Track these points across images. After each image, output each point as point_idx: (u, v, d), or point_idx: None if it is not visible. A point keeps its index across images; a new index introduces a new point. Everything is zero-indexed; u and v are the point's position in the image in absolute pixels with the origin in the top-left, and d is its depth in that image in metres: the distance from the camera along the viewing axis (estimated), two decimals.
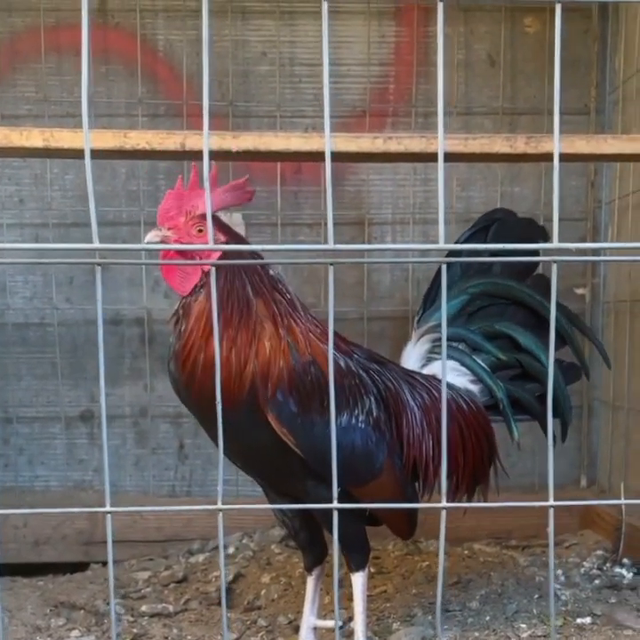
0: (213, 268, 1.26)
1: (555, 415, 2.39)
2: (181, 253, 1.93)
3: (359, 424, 2.06)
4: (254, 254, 2.01)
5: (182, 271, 1.96)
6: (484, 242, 2.35)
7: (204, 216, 1.92)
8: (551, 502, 1.42)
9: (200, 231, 1.94)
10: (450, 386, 2.31)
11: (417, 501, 2.20)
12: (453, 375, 2.35)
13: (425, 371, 2.35)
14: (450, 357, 2.35)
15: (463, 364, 2.36)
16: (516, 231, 2.40)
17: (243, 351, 1.94)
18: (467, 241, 2.37)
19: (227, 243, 1.96)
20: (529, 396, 2.36)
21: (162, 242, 1.95)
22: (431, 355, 2.37)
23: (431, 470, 2.17)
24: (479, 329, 2.38)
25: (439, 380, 2.25)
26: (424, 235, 3.41)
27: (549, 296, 2.34)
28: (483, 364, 2.36)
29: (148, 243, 1.96)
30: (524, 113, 3.39)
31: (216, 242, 1.92)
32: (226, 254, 1.91)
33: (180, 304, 2.00)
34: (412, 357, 2.39)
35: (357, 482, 2.07)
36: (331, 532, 2.12)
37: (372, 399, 2.09)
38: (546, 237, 2.39)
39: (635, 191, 3.10)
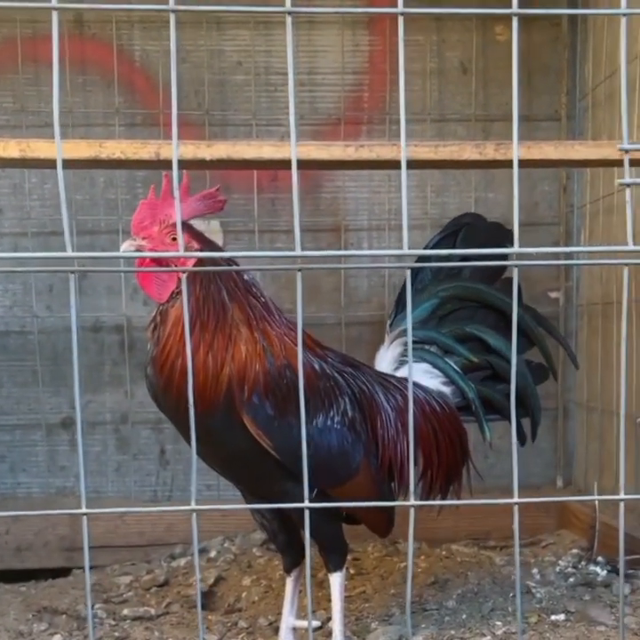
0: (184, 275, 1.30)
1: (524, 414, 2.44)
2: (157, 261, 1.95)
3: (335, 425, 2.09)
4: (228, 261, 2.04)
5: (159, 279, 1.99)
6: (454, 246, 2.39)
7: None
8: (516, 499, 1.45)
9: (174, 239, 1.97)
10: (423, 388, 2.35)
11: (393, 500, 2.23)
12: (426, 377, 2.39)
13: (398, 373, 2.38)
14: (422, 360, 2.39)
15: (435, 367, 2.40)
16: (485, 235, 2.44)
17: (219, 355, 1.97)
18: (436, 245, 2.41)
19: (200, 250, 1.99)
20: (499, 397, 2.40)
21: (137, 251, 1.97)
22: (404, 357, 2.41)
23: (406, 470, 2.21)
24: (450, 332, 2.42)
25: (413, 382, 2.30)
26: (400, 240, 3.43)
27: (519, 300, 2.41)
28: (454, 366, 2.40)
29: (122, 251, 1.99)
30: (496, 119, 3.45)
31: (190, 249, 1.95)
32: (201, 261, 1.95)
33: (157, 311, 2.03)
34: (385, 360, 2.43)
35: (335, 482, 2.11)
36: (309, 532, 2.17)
37: (347, 400, 2.13)
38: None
39: (605, 196, 3.15)
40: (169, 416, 2.05)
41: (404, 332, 2.39)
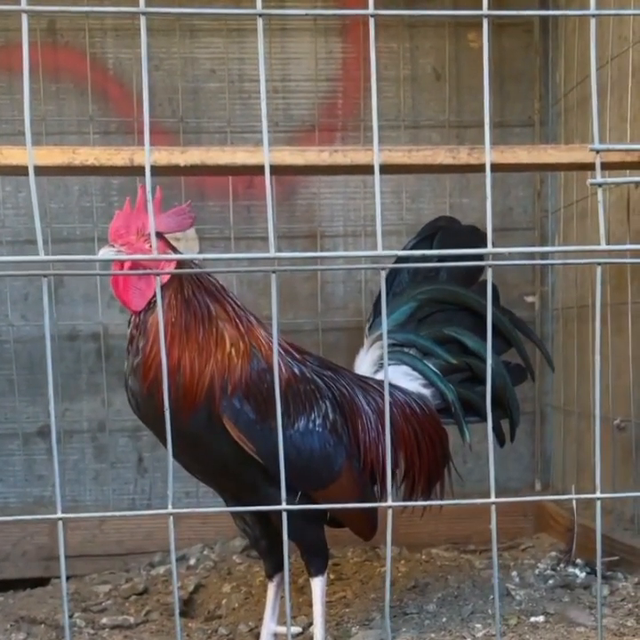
0: (158, 279, 1.30)
1: (503, 416, 2.45)
2: (134, 269, 1.96)
3: (316, 428, 2.10)
4: (201, 265, 2.06)
5: (136, 288, 1.99)
6: (430, 249, 2.40)
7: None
8: (493, 499, 1.46)
9: (151, 248, 1.97)
10: (403, 390, 2.36)
11: (375, 502, 2.24)
12: (406, 380, 2.39)
13: (378, 376, 2.39)
14: (402, 362, 2.40)
15: (415, 369, 2.41)
16: (461, 238, 2.44)
17: (204, 356, 1.97)
18: (413, 249, 2.42)
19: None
20: (478, 398, 2.41)
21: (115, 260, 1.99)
22: (383, 360, 2.41)
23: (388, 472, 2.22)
24: (429, 334, 2.43)
25: (392, 385, 2.31)
26: (376, 246, 3.45)
27: (496, 302, 2.42)
28: (434, 368, 2.41)
29: (100, 256, 1.99)
30: (470, 126, 3.47)
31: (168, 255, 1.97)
32: (178, 267, 1.96)
33: (134, 321, 2.02)
34: (365, 364, 2.43)
35: (318, 485, 2.11)
36: (290, 536, 2.16)
37: (328, 403, 2.13)
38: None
39: (579, 200, 3.18)
40: (151, 424, 2.04)
41: (382, 336, 2.40)
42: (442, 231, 2.45)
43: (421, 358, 2.42)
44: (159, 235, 1.97)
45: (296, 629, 2.40)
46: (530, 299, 3.55)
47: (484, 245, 2.45)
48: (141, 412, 2.04)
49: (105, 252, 1.97)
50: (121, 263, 1.98)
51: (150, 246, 1.97)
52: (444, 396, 2.41)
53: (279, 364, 1.99)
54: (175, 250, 2.04)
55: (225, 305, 2.03)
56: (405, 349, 2.42)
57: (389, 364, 2.40)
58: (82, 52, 3.30)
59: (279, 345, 2.02)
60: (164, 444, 2.06)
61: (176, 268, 1.98)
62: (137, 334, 2.00)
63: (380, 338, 2.42)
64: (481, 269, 2.41)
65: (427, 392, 2.41)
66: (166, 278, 1.96)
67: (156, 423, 2.01)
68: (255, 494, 2.07)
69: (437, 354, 2.42)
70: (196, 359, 1.97)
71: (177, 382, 1.94)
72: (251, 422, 1.98)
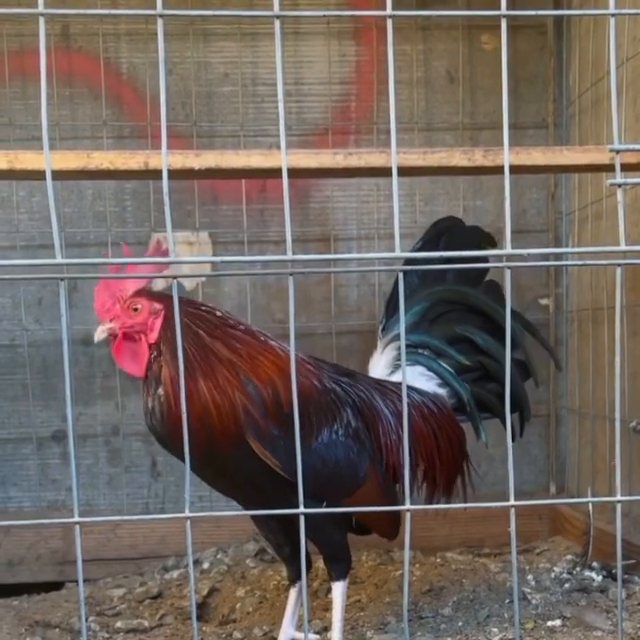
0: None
1: (515, 410, 2.46)
2: (128, 337, 2.01)
3: (340, 438, 2.11)
4: (193, 302, 2.11)
5: (131, 352, 2.03)
6: (437, 250, 2.41)
7: (135, 293, 2.03)
8: (512, 502, 1.45)
9: (136, 309, 2.02)
10: (419, 391, 2.37)
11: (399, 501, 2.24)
12: (422, 380, 2.40)
13: (393, 377, 2.40)
14: (417, 363, 2.41)
15: (430, 369, 2.41)
16: (465, 238, 2.46)
17: (224, 390, 1.98)
18: (420, 250, 2.42)
19: (165, 307, 2.01)
20: (491, 396, 2.42)
21: (110, 335, 2.03)
22: (398, 362, 2.42)
23: (411, 473, 2.23)
24: (441, 334, 2.44)
25: (409, 386, 2.31)
26: (389, 249, 3.44)
27: (503, 302, 2.43)
28: (448, 368, 2.41)
29: (97, 341, 2.08)
30: (484, 128, 3.46)
31: (154, 310, 2.02)
32: (168, 314, 1.98)
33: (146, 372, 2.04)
34: (379, 366, 2.44)
35: (345, 493, 2.13)
36: (315, 540, 2.17)
37: (349, 411, 2.14)
38: (494, 244, 2.49)
39: (594, 202, 3.17)
40: (177, 455, 2.06)
41: (396, 337, 2.41)
42: (448, 232, 2.46)
43: (435, 358, 2.42)
44: (141, 292, 2.02)
45: (314, 637, 2.39)
46: (544, 301, 3.54)
47: (488, 245, 2.48)
48: (169, 448, 2.08)
49: (100, 333, 2.04)
50: (115, 338, 2.03)
51: (134, 309, 2.02)
52: (459, 395, 2.42)
53: (298, 379, 1.99)
54: (160, 298, 2.05)
55: (227, 332, 2.04)
56: (419, 350, 2.43)
57: (411, 366, 2.42)
58: (95, 56, 3.31)
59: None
60: (196, 471, 2.07)
61: (165, 318, 2.00)
62: (151, 379, 2.01)
63: (393, 339, 2.43)
64: (486, 269, 2.42)
65: (442, 392, 2.42)
66: (154, 337, 2.00)
67: (180, 453, 2.03)
68: (282, 507, 2.08)
69: (450, 354, 2.42)
70: (216, 394, 1.98)
71: (204, 423, 1.96)
72: (274, 438, 1.99)
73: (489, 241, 2.49)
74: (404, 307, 2.35)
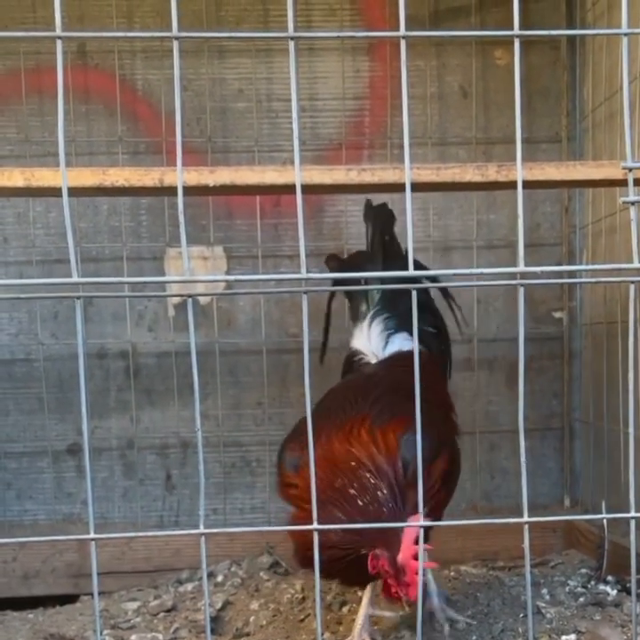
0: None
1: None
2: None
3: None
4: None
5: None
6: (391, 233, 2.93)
7: None
8: (526, 519, 1.46)
9: None
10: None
11: None
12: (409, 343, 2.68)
13: (389, 348, 2.73)
14: (402, 330, 2.76)
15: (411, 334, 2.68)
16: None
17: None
18: (374, 237, 2.91)
19: None
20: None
21: None
22: (387, 332, 2.77)
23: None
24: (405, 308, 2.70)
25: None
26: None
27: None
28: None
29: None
30: (497, 142, 3.47)
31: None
32: None
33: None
34: (372, 336, 2.78)
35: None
36: None
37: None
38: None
39: (607, 216, 3.17)
40: None
41: (379, 312, 2.81)
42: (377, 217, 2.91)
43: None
44: None
45: None
46: (558, 314, 3.54)
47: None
48: None
49: None
50: None
51: None
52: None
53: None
54: None
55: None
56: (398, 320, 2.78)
57: (396, 334, 2.77)
58: (111, 73, 3.34)
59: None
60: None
61: None
62: None
63: (377, 314, 2.79)
64: None
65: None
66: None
67: None
68: None
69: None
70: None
71: None
72: None
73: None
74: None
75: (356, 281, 2.57)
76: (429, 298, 2.90)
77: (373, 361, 2.75)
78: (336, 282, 2.75)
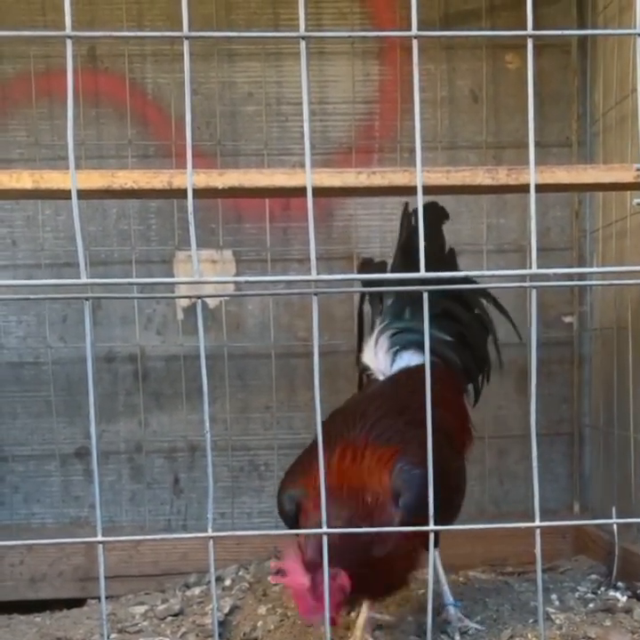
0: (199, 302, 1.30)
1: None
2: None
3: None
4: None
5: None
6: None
7: None
8: (537, 523, 1.44)
9: None
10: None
11: None
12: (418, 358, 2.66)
13: (396, 364, 2.67)
14: (411, 345, 2.69)
15: (420, 347, 2.63)
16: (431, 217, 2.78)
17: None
18: (407, 241, 2.81)
19: None
20: (469, 362, 2.85)
21: None
22: (393, 348, 2.70)
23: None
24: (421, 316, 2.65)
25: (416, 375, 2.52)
26: None
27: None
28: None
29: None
30: (507, 146, 3.46)
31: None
32: None
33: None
34: (379, 354, 2.71)
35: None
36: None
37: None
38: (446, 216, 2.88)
39: (618, 220, 3.15)
40: None
41: (387, 327, 2.74)
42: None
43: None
44: None
45: None
46: (568, 319, 3.53)
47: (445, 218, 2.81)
48: None
49: None
50: None
51: None
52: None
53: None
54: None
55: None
56: (406, 334, 2.72)
57: (404, 351, 2.70)
58: (121, 76, 3.34)
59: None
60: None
61: None
62: None
63: (385, 329, 2.73)
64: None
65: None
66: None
67: None
68: None
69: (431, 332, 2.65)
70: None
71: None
72: None
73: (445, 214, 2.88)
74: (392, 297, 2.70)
75: (372, 283, 2.58)
76: (453, 303, 2.80)
77: (381, 377, 2.70)
78: (365, 284, 2.70)
